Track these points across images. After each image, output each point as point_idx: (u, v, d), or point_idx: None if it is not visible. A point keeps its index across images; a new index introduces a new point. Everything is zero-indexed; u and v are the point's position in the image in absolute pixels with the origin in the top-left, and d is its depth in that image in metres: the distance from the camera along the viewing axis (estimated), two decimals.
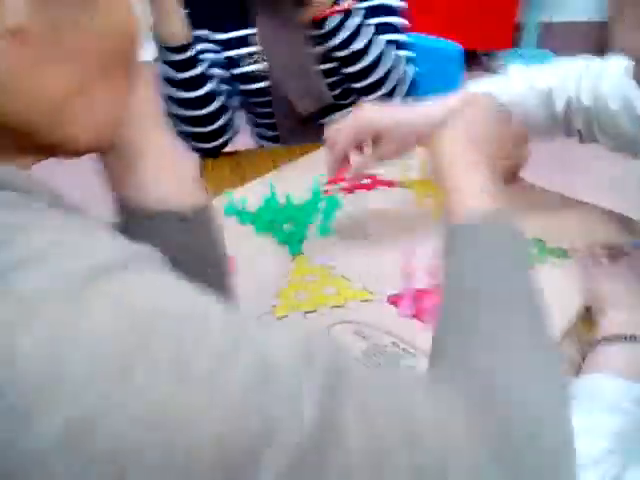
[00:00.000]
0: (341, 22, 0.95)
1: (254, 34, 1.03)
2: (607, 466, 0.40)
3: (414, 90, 1.07)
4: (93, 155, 0.45)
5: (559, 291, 0.69)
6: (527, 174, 0.96)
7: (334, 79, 1.07)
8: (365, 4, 1.02)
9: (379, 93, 1.03)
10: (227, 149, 1.07)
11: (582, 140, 0.81)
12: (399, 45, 1.05)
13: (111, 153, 0.47)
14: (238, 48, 1.04)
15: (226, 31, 1.03)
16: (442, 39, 1.39)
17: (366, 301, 0.68)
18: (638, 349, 0.52)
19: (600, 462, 0.40)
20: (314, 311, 0.67)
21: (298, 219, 0.82)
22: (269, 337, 0.30)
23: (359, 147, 0.73)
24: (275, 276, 0.72)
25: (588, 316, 0.65)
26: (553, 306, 0.65)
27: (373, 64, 1.00)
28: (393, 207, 0.87)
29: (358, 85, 1.04)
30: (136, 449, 0.24)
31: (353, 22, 0.96)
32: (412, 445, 0.29)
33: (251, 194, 0.85)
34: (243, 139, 1.18)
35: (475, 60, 3.36)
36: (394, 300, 0.68)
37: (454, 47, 1.36)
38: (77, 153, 0.38)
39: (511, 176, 0.82)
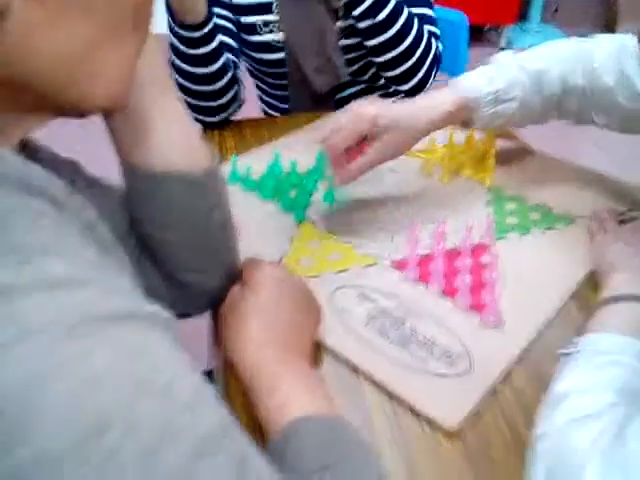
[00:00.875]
0: None
1: (272, 2, 1.00)
2: (610, 418, 0.40)
3: (438, 67, 1.03)
4: (99, 118, 0.45)
5: (566, 256, 0.69)
6: (534, 142, 0.95)
7: (354, 54, 1.04)
8: None
9: (401, 69, 0.99)
10: (232, 118, 1.06)
11: (578, 122, 0.79)
12: (426, 20, 1.01)
13: (119, 117, 0.47)
14: (255, 15, 1.00)
15: None
16: (448, 9, 1.37)
17: (370, 266, 0.68)
18: None
19: (603, 415, 0.41)
20: (317, 276, 0.67)
21: (303, 186, 0.82)
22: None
23: (360, 145, 0.71)
24: (279, 242, 0.72)
25: (594, 280, 0.65)
26: (560, 270, 0.66)
27: (396, 36, 0.95)
28: (399, 175, 0.86)
29: (380, 59, 0.99)
30: None
31: None
32: None
33: (256, 161, 0.85)
34: (248, 108, 1.17)
35: (480, 35, 3.32)
36: (399, 265, 0.68)
37: (460, 17, 1.35)
38: (91, 111, 0.38)
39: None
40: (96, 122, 0.46)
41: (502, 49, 2.93)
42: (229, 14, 1.02)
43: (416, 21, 0.97)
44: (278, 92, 1.13)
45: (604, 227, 0.69)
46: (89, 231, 0.35)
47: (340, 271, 0.67)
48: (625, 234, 0.65)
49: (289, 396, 0.44)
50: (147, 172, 0.48)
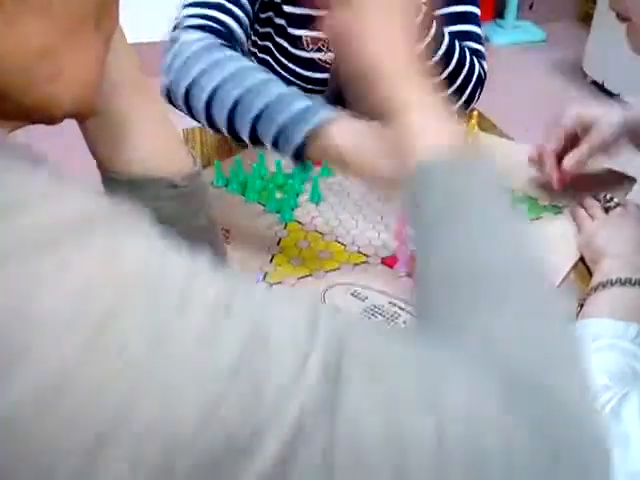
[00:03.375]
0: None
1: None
2: (605, 399, 0.40)
3: (482, 87, 0.96)
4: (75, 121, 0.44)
5: (555, 245, 0.69)
6: (516, 132, 0.96)
7: None
8: (442, 11, 0.92)
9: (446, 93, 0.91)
10: None
11: None
12: (471, 37, 0.95)
13: (94, 122, 0.46)
14: (305, 28, 0.91)
15: (297, 5, 0.89)
16: None
17: (361, 264, 0.68)
18: (633, 291, 0.52)
19: (597, 397, 0.41)
20: (309, 275, 0.66)
21: (289, 186, 0.81)
22: (268, 304, 0.27)
23: None
24: (268, 244, 0.72)
25: (584, 268, 0.65)
26: (549, 259, 0.66)
27: (441, 62, 0.86)
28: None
29: None
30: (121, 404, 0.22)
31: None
32: (433, 414, 0.25)
33: (240, 164, 0.84)
34: None
35: None
36: (388, 262, 0.68)
37: None
38: (58, 116, 0.37)
39: None
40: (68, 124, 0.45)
41: None
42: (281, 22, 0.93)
43: (457, 45, 0.90)
44: None
45: (591, 214, 0.69)
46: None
47: (330, 270, 0.67)
48: (613, 219, 0.65)
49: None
50: (127, 178, 0.47)
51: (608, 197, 0.69)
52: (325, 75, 0.97)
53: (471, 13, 0.96)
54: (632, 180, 0.80)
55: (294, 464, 0.23)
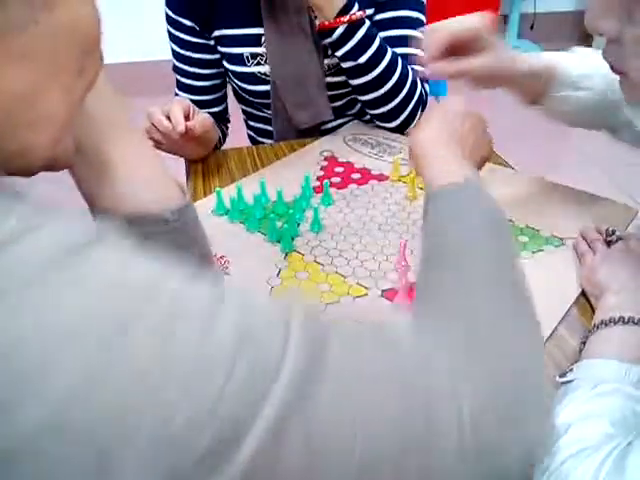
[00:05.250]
0: (348, 33, 0.92)
1: (262, 35, 0.99)
2: (608, 449, 0.40)
3: (424, 108, 1.03)
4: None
5: (555, 278, 0.69)
6: (517, 161, 0.96)
7: (341, 91, 1.04)
8: (383, 15, 0.99)
9: (385, 108, 1.00)
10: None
11: (611, 132, 0.77)
12: (415, 60, 0.99)
13: (82, 162, 0.45)
14: (243, 46, 1.00)
15: (237, 27, 0.99)
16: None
17: (361, 296, 0.68)
18: (636, 330, 0.51)
19: (601, 447, 0.40)
20: None
21: (290, 216, 0.81)
22: (250, 307, 0.29)
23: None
24: (268, 275, 0.71)
25: (586, 302, 0.65)
26: (551, 293, 0.66)
27: (379, 78, 0.96)
28: (385, 201, 0.86)
29: (364, 98, 1.00)
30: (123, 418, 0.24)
31: (360, 33, 0.92)
32: (396, 388, 0.30)
33: (241, 192, 0.84)
34: (231, 137, 1.17)
35: None
36: (389, 295, 0.67)
37: None
38: (34, 165, 0.36)
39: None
40: None
41: None
42: (211, 43, 1.02)
43: (400, 63, 0.97)
44: (262, 120, 1.13)
45: (593, 248, 0.68)
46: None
47: (330, 302, 0.67)
48: (614, 254, 0.65)
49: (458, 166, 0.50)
50: (116, 216, 0.47)
51: (610, 230, 0.69)
52: (266, 87, 1.03)
53: (413, 37, 1.00)
54: (634, 211, 0.80)
55: (272, 459, 0.26)
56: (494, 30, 0.66)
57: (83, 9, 0.34)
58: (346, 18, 0.91)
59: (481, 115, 0.61)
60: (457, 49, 0.64)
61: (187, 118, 0.88)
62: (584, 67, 0.71)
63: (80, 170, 0.46)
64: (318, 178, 0.92)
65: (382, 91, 0.97)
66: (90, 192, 0.48)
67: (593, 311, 0.61)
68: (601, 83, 0.71)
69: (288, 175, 0.92)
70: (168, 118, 0.86)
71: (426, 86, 1.04)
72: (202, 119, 0.90)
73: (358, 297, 0.67)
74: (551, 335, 0.61)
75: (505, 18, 3.31)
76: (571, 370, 0.50)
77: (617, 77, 0.50)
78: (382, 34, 0.98)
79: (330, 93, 1.03)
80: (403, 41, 1.00)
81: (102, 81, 0.44)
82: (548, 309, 0.64)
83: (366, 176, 0.93)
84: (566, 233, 0.76)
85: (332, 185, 0.89)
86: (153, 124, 0.86)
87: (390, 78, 0.96)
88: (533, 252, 0.73)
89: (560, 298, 0.66)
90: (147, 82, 2.43)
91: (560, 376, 0.51)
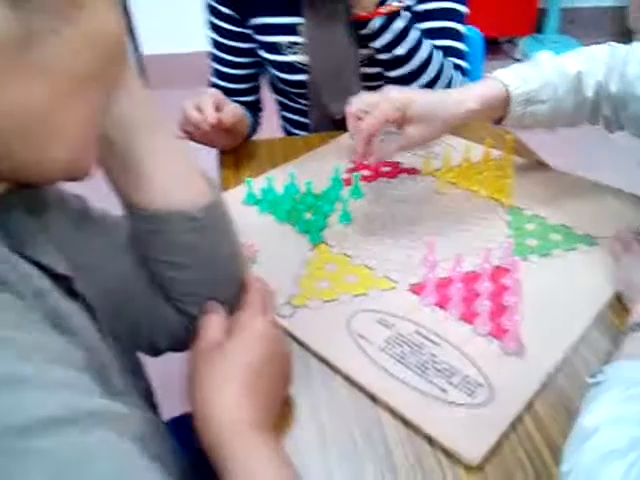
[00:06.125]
0: (385, 24, 0.91)
1: (299, 24, 0.99)
2: (637, 454, 0.39)
3: None
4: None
5: (589, 278, 0.67)
6: (550, 157, 0.94)
7: (376, 83, 1.03)
8: (424, 6, 0.98)
9: None
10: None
11: (608, 127, 0.79)
12: (453, 53, 1.00)
13: (114, 161, 0.46)
14: (281, 35, 1.01)
15: (276, 16, 1.00)
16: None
17: (388, 290, 0.67)
18: None
19: (632, 449, 0.39)
20: (335, 300, 0.66)
21: (318, 208, 0.81)
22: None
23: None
24: (295, 265, 0.72)
25: (619, 304, 0.63)
26: (583, 292, 0.65)
27: (416, 71, 0.95)
28: (415, 195, 0.85)
29: None
30: None
31: (398, 25, 0.91)
32: None
33: (271, 183, 0.85)
34: (263, 128, 1.17)
35: (496, 47, 3.30)
36: (416, 289, 0.67)
37: (475, 33, 1.34)
38: (53, 178, 0.37)
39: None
40: None
41: (517, 61, 2.90)
42: (249, 32, 1.03)
43: (437, 56, 0.96)
44: (297, 111, 1.13)
45: (629, 248, 0.67)
46: (35, 301, 0.34)
47: (358, 295, 0.67)
48: None
49: (259, 473, 0.40)
50: (147, 214, 0.48)
51: None
52: (303, 76, 1.03)
53: (459, 29, 1.00)
54: None
55: None
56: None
57: (107, 19, 0.34)
58: (384, 9, 0.90)
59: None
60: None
61: (218, 109, 0.89)
62: (531, 84, 0.74)
63: (112, 168, 0.47)
64: (348, 171, 0.92)
65: (416, 84, 0.96)
66: (122, 190, 0.48)
67: (627, 313, 0.59)
68: (557, 92, 0.75)
69: (318, 167, 0.92)
70: (200, 110, 0.87)
71: (461, 78, 1.02)
72: (232, 110, 0.91)
73: (385, 290, 0.67)
74: (582, 335, 0.60)
75: (544, 12, 3.24)
76: (601, 372, 0.49)
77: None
78: (422, 25, 0.97)
79: (364, 84, 1.02)
80: (443, 33, 0.99)
81: (131, 77, 0.45)
82: (580, 308, 0.63)
83: (396, 169, 0.92)
84: (601, 232, 0.74)
85: (362, 178, 0.89)
86: (185, 116, 0.88)
87: (425, 71, 0.95)
88: (566, 250, 0.72)
89: (592, 298, 0.65)
90: (183, 74, 2.46)
91: (590, 377, 0.50)
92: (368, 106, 0.72)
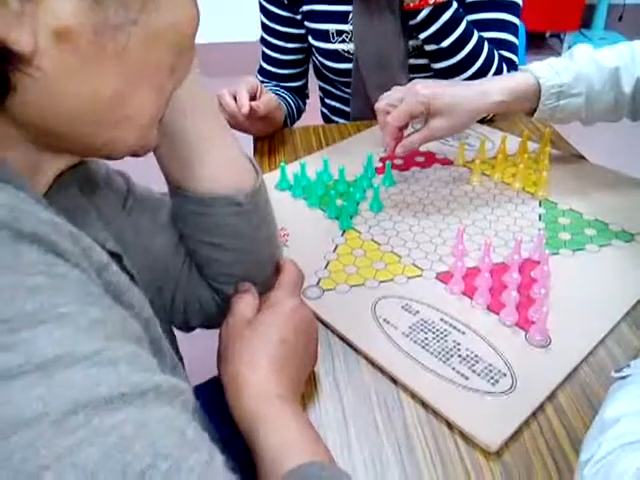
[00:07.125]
0: (433, 15, 0.90)
1: (349, 12, 0.99)
2: None
3: None
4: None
5: (622, 274, 0.66)
6: (588, 152, 0.92)
7: (423, 74, 1.02)
8: (477, 16, 0.96)
9: None
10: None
11: None
12: (503, 45, 0.98)
13: (165, 145, 0.47)
14: (330, 22, 1.01)
15: (325, 3, 1.00)
16: None
17: (415, 277, 0.68)
18: None
19: None
20: (362, 284, 0.66)
21: (350, 194, 0.82)
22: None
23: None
24: (325, 250, 0.73)
25: None
26: (615, 288, 0.64)
27: (461, 63, 0.94)
28: (447, 185, 0.85)
29: None
30: None
31: (446, 17, 0.90)
32: None
33: (304, 169, 0.86)
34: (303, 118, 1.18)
35: (542, 42, 3.23)
36: (443, 277, 0.67)
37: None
38: (118, 155, 0.38)
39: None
40: None
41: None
42: (299, 18, 1.04)
43: (486, 49, 0.94)
44: (343, 94, 1.13)
45: None
46: (97, 275, 0.34)
47: (384, 281, 0.67)
48: None
49: (291, 442, 0.40)
50: (194, 196, 0.49)
51: None
52: (348, 65, 1.04)
53: (510, 21, 0.98)
54: None
55: None
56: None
57: (185, 11, 0.35)
58: (432, 0, 0.89)
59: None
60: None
61: (254, 98, 0.90)
62: (564, 77, 0.74)
63: (165, 152, 0.48)
64: (381, 159, 0.92)
65: (463, 76, 0.95)
66: (172, 173, 0.49)
67: None
68: (592, 86, 0.74)
69: (351, 154, 0.92)
70: (235, 99, 0.88)
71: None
72: (267, 100, 0.92)
73: (412, 277, 0.67)
74: (612, 330, 0.59)
75: (592, 7, 3.14)
76: (628, 366, 0.48)
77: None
78: (472, 17, 0.95)
79: (411, 75, 1.01)
80: (495, 25, 0.97)
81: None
82: (611, 303, 0.62)
83: (430, 159, 0.92)
84: (638, 229, 0.72)
85: (394, 167, 0.89)
86: (221, 105, 0.89)
87: (473, 64, 0.94)
88: (600, 246, 0.71)
89: (625, 293, 0.63)
90: (220, 63, 2.49)
91: (616, 371, 0.49)
92: (395, 101, 0.75)
